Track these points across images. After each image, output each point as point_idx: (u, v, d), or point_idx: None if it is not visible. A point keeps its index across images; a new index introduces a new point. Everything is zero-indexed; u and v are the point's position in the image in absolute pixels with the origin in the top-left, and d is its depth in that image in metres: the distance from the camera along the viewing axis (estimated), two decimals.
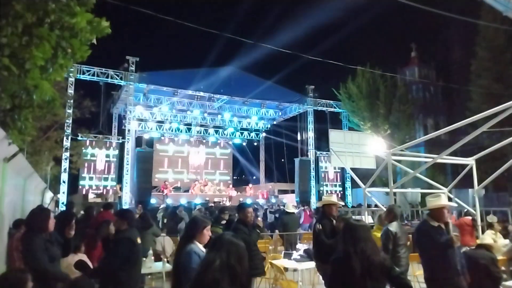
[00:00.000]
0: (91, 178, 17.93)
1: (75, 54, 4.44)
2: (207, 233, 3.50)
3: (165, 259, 6.34)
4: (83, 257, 5.41)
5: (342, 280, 2.68)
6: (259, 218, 10.47)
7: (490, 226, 8.66)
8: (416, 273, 7.29)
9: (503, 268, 6.82)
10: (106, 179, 18.17)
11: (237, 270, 2.05)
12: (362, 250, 2.75)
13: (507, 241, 8.03)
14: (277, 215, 13.72)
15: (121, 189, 18.12)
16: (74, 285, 3.81)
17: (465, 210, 10.31)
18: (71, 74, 15.47)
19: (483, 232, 9.01)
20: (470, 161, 10.04)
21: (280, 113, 24.54)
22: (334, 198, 5.46)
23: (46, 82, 3.81)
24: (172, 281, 3.30)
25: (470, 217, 8.91)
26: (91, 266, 5.17)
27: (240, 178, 32.65)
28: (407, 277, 4.97)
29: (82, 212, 8.85)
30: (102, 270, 3.93)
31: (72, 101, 13.60)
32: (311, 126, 22.35)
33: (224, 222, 6.91)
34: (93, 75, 17.35)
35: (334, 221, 5.35)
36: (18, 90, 3.79)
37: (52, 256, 3.74)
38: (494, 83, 18.56)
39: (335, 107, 22.90)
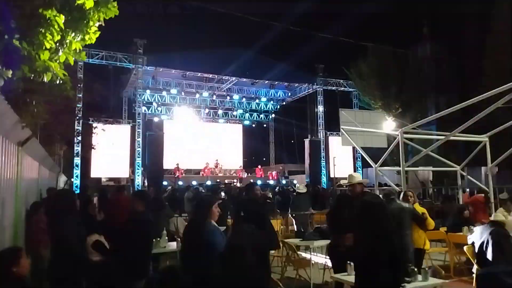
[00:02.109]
0: (103, 162, 18.14)
1: (84, 36, 4.42)
2: (215, 210, 3.62)
3: (179, 239, 6.42)
4: (100, 237, 5.54)
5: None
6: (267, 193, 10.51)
7: (502, 203, 8.60)
8: (428, 250, 7.30)
9: None
10: (118, 162, 18.37)
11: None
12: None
13: None
14: (278, 197, 13.61)
15: (133, 172, 18.32)
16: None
17: (478, 187, 10.25)
18: (80, 59, 15.50)
19: (495, 209, 8.96)
20: (484, 138, 9.90)
21: (289, 94, 24.36)
22: (358, 177, 5.33)
23: (56, 64, 3.81)
24: (184, 254, 3.48)
25: (482, 195, 8.84)
26: (108, 247, 5.30)
27: (250, 160, 32.74)
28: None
29: (96, 194, 8.99)
30: (127, 251, 3.99)
31: (82, 85, 13.64)
32: (321, 106, 22.16)
33: (220, 201, 7.03)
34: (102, 58, 17.34)
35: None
36: (28, 73, 3.81)
37: (81, 237, 3.81)
38: (510, 58, 18.09)
39: (345, 86, 22.61)
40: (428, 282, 3.83)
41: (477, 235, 5.23)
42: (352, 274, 4.01)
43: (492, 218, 5.49)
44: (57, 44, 4.10)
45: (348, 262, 4.15)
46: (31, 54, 3.58)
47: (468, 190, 10.58)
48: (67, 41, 4.26)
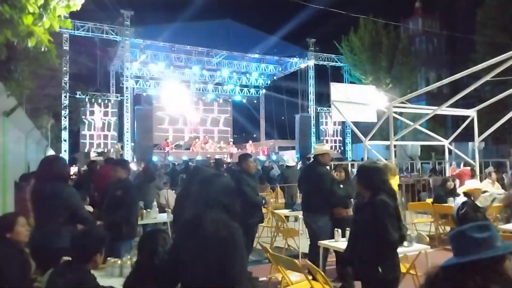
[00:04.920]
0: (92, 137, 17.99)
1: (68, 1, 4.28)
2: None
3: (169, 210, 6.48)
4: (89, 208, 5.55)
5: (393, 220, 2.74)
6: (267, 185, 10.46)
7: (487, 176, 8.82)
8: (414, 221, 7.51)
9: (498, 215, 7.02)
10: (106, 137, 18.22)
11: (226, 203, 2.07)
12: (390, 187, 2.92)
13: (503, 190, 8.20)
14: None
15: (122, 147, 18.22)
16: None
17: (465, 161, 10.46)
18: (64, 30, 15.09)
19: (481, 182, 9.18)
20: (471, 113, 10.02)
21: (280, 69, 24.14)
22: (327, 147, 5.43)
23: (40, 29, 3.70)
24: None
25: (469, 168, 9.03)
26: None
27: (241, 136, 32.74)
28: None
29: (85, 166, 8.96)
30: (122, 217, 4.15)
31: (68, 57, 13.36)
32: (311, 81, 22.07)
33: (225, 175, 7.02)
34: (88, 30, 16.86)
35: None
36: (11, 37, 3.69)
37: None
38: (500, 33, 18.07)
39: (336, 61, 22.49)
40: (412, 248, 3.94)
41: (455, 206, 5.42)
42: (339, 241, 4.12)
43: (462, 189, 5.59)
44: (41, 9, 3.96)
45: (336, 229, 4.25)
46: (13, 17, 3.47)
47: (455, 163, 10.79)
48: (51, 6, 4.13)
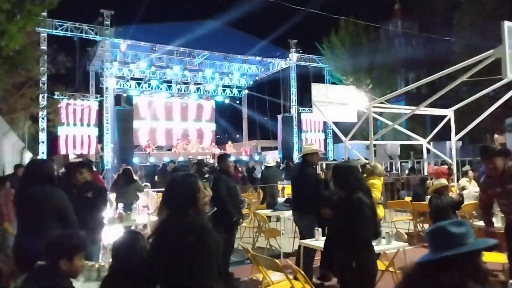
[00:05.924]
0: (70, 138, 17.60)
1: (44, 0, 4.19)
2: None
3: (149, 212, 6.41)
4: None
5: (368, 218, 2.79)
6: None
7: (464, 174, 9.05)
8: (393, 219, 7.64)
9: (473, 212, 7.19)
10: (86, 138, 17.87)
11: (192, 204, 2.03)
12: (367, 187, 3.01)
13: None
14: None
15: (102, 148, 17.91)
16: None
17: (442, 160, 10.70)
18: (42, 29, 14.74)
19: (458, 180, 9.41)
20: (449, 112, 10.26)
21: (262, 69, 24.19)
22: (315, 147, 5.49)
23: (14, 27, 3.60)
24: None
25: (446, 166, 9.24)
26: None
27: (223, 136, 32.63)
28: None
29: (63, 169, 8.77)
30: (97, 219, 4.15)
31: (46, 56, 13.06)
32: (293, 82, 22.20)
33: (207, 176, 7.02)
34: (66, 30, 16.51)
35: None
36: None
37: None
38: (476, 36, 18.56)
39: (318, 62, 22.68)
40: (391, 245, 4.00)
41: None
42: (319, 239, 4.15)
43: (433, 187, 5.72)
44: (15, 7, 3.87)
45: (316, 228, 4.28)
46: None
47: (433, 162, 11.02)
48: (26, 4, 4.03)
